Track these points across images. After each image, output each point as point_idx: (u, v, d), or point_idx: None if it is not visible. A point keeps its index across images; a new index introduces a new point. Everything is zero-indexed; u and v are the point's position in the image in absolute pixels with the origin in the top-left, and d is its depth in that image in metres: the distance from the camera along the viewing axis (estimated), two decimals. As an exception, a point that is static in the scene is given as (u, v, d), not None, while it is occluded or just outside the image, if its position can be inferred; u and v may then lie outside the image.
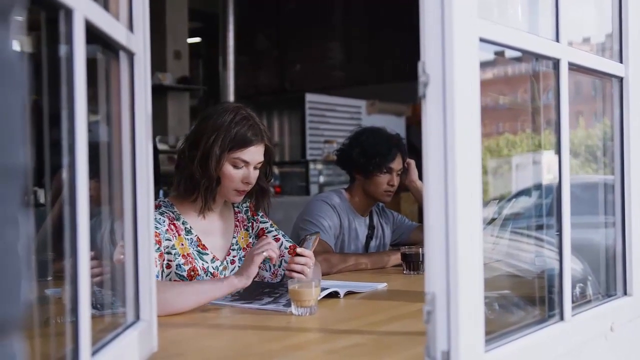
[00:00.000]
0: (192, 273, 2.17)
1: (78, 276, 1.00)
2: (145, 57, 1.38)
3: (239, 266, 2.30)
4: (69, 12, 0.99)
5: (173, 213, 2.21)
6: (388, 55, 9.14)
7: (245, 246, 2.37)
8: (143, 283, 1.38)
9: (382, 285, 2.34)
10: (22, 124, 0.60)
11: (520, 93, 2.09)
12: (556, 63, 1.51)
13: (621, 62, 1.80)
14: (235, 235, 2.36)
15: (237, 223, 2.38)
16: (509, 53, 1.54)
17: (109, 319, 1.42)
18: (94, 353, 1.08)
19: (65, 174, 1.01)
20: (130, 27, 1.35)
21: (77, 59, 1.01)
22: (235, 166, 2.19)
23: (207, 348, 1.60)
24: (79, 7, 1.01)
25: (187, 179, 2.20)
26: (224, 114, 2.19)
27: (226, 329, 1.76)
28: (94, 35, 1.11)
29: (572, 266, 1.56)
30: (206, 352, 1.58)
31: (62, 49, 1.01)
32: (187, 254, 2.18)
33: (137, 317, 1.37)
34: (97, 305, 1.36)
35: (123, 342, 1.24)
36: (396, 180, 3.00)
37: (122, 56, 1.33)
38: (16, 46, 0.61)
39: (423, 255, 2.62)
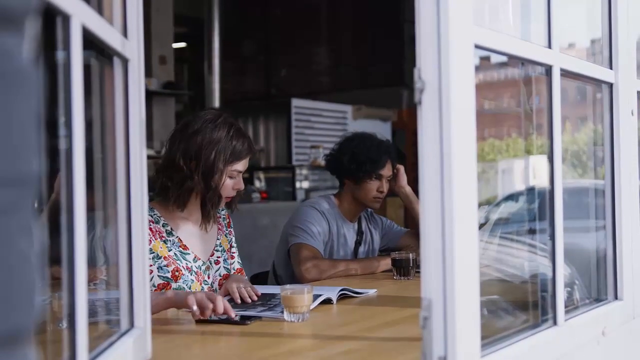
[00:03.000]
0: (177, 273, 2.22)
1: (75, 284, 1.00)
2: (139, 64, 1.38)
3: (223, 266, 2.39)
4: (66, 18, 0.99)
5: (152, 216, 2.23)
6: (374, 61, 9.17)
7: (226, 249, 2.44)
8: (137, 291, 1.37)
9: (372, 292, 2.34)
10: (36, 132, 0.60)
11: (506, 98, 2.10)
12: (548, 69, 1.52)
13: (611, 68, 1.82)
14: (218, 237, 2.42)
15: (220, 226, 2.45)
16: (495, 58, 1.55)
17: (102, 326, 1.41)
18: (91, 361, 1.08)
19: (62, 180, 1.00)
20: (125, 33, 1.34)
21: (74, 65, 1.00)
22: (231, 177, 2.28)
23: (200, 355, 1.59)
24: (76, 13, 1.00)
25: (185, 192, 2.24)
26: (218, 129, 2.25)
27: (219, 336, 1.76)
28: (89, 41, 1.10)
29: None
30: (200, 359, 1.57)
31: (59, 55, 1.01)
32: (169, 256, 2.22)
33: (132, 325, 1.36)
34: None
35: (118, 350, 1.23)
36: (385, 187, 3.00)
37: (116, 62, 1.32)
38: (30, 54, 0.61)
39: (413, 260, 2.64)
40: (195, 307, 1.80)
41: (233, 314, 1.85)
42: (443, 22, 1.16)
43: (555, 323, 1.51)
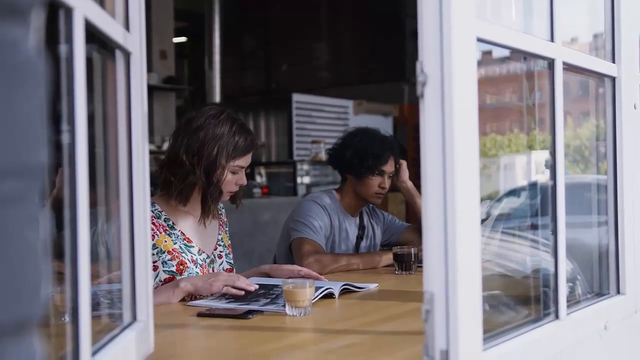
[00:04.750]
0: (181, 267, 2.24)
1: (78, 278, 1.00)
2: (141, 57, 1.37)
3: (226, 261, 2.42)
4: (68, 11, 0.99)
5: (153, 211, 2.24)
6: (375, 56, 9.17)
7: (227, 245, 2.47)
8: (140, 284, 1.37)
9: (374, 286, 2.34)
10: (43, 124, 0.60)
11: (508, 93, 2.10)
12: (551, 63, 1.52)
13: (614, 62, 1.81)
14: (220, 232, 2.45)
15: (221, 222, 2.48)
16: (497, 53, 1.55)
17: (105, 320, 1.41)
18: (94, 354, 1.08)
19: (65, 174, 1.00)
20: (127, 26, 1.34)
21: (77, 58, 1.00)
22: (233, 172, 2.30)
23: (203, 349, 1.60)
24: (78, 6, 1.00)
25: (187, 187, 2.25)
26: (220, 124, 2.26)
27: (222, 330, 1.76)
28: (91, 34, 1.10)
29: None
30: (202, 352, 1.57)
31: (62, 48, 1.00)
32: (173, 250, 2.24)
33: (134, 318, 1.36)
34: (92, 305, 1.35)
35: (121, 343, 1.23)
36: (387, 183, 3.00)
37: (119, 55, 1.32)
38: (36, 44, 0.61)
39: (415, 255, 2.64)
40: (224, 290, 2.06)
41: (253, 287, 2.08)
42: (445, 15, 1.16)
43: (557, 317, 1.52)
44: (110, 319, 1.40)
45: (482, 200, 2.07)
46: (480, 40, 1.26)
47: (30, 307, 0.57)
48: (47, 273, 0.60)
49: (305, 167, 7.57)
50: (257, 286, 2.13)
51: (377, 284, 2.36)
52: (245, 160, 2.31)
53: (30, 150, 0.58)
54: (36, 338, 0.58)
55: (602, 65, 1.78)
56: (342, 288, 2.18)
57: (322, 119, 8.22)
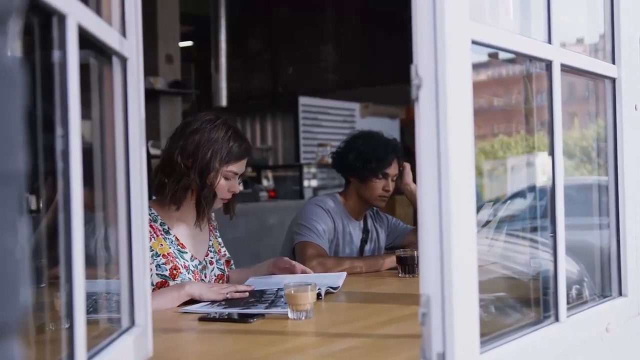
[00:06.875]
0: (175, 272, 2.25)
1: (73, 282, 1.00)
2: (138, 62, 1.38)
3: (217, 267, 2.44)
4: (62, 18, 0.99)
5: (150, 215, 2.25)
6: (381, 58, 9.15)
7: (217, 251, 2.48)
8: (138, 288, 1.37)
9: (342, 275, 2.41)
10: (21, 129, 0.60)
11: (515, 95, 2.09)
12: (549, 65, 1.51)
13: (613, 63, 1.80)
14: (210, 238, 2.47)
15: (211, 228, 2.50)
16: (502, 55, 1.54)
17: (104, 325, 1.42)
18: (90, 358, 1.08)
19: (59, 180, 1.00)
20: (123, 32, 1.34)
21: (70, 64, 1.00)
22: (226, 178, 2.31)
23: (202, 353, 1.60)
24: (72, 12, 1.00)
25: (181, 189, 2.26)
26: (216, 129, 2.29)
27: (222, 334, 1.76)
28: (86, 40, 1.10)
29: (568, 268, 1.57)
30: (202, 357, 1.57)
31: (55, 55, 1.01)
32: (168, 254, 2.26)
33: (132, 323, 1.36)
34: (90, 310, 1.35)
35: (118, 348, 1.23)
36: (391, 186, 3.00)
37: (115, 61, 1.33)
38: (14, 51, 0.61)
39: (418, 258, 2.63)
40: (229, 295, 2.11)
41: (252, 288, 2.19)
42: (439, 17, 1.16)
43: (557, 319, 1.51)
44: (109, 324, 1.40)
45: (488, 202, 2.07)
46: (475, 42, 1.26)
47: (7, 312, 0.57)
48: (26, 279, 0.60)
49: (312, 170, 7.57)
50: (254, 287, 2.21)
51: (345, 273, 2.44)
52: (238, 167, 2.33)
53: (7, 156, 0.58)
54: (15, 343, 0.58)
55: (601, 67, 1.78)
56: (326, 289, 2.21)
57: (329, 121, 8.21)
